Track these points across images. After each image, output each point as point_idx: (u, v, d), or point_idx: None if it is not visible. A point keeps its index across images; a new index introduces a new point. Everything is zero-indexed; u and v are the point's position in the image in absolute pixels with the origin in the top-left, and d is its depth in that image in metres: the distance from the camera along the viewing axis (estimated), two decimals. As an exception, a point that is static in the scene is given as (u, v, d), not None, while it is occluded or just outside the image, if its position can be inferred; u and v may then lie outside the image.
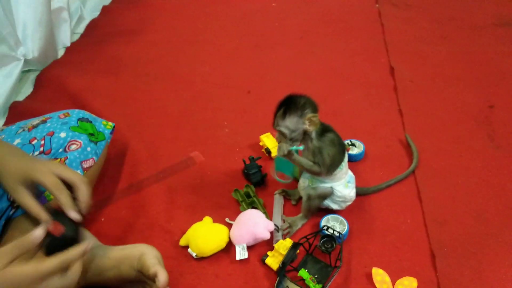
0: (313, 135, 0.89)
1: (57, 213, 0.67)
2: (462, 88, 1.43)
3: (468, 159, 1.17)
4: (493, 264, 0.92)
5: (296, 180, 1.05)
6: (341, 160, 0.92)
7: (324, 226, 0.95)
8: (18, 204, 0.70)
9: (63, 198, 0.68)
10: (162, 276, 0.73)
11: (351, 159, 1.15)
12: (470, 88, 1.43)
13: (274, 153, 1.18)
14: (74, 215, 0.68)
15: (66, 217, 0.67)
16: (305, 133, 0.89)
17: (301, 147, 0.90)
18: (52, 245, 0.62)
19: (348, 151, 1.10)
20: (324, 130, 0.90)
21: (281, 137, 0.89)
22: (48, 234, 0.62)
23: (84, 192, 0.71)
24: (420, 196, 1.07)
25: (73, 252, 0.61)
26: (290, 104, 0.87)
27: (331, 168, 0.91)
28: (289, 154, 0.88)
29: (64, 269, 0.59)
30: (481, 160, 1.17)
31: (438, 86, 1.45)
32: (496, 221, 1.01)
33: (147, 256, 0.78)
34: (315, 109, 0.88)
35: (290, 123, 0.87)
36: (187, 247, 0.95)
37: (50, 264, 0.58)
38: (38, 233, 0.59)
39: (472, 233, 0.99)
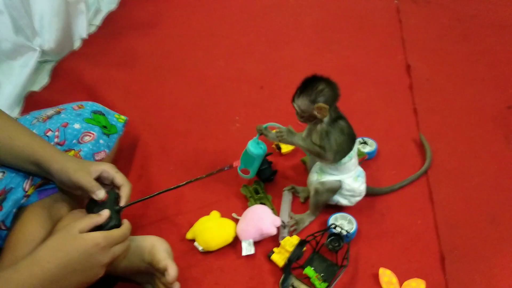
0: (325, 119, 0.88)
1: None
2: (480, 88, 1.40)
3: (484, 161, 1.14)
4: (504, 270, 0.89)
5: (260, 179, 1.09)
6: (350, 149, 0.91)
7: (332, 224, 0.94)
8: (77, 177, 0.75)
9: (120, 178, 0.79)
10: (172, 271, 0.76)
11: (363, 157, 1.14)
12: (489, 88, 1.39)
13: (284, 149, 1.17)
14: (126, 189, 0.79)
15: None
16: (317, 117, 0.88)
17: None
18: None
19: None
20: (337, 117, 0.89)
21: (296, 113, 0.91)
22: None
23: (127, 189, 0.79)
24: (432, 197, 1.05)
25: (126, 225, 0.72)
26: (308, 85, 0.87)
27: (338, 154, 0.90)
28: (290, 134, 0.90)
29: (127, 240, 0.71)
30: (497, 163, 1.14)
31: (456, 85, 1.41)
32: (510, 226, 0.98)
33: (157, 249, 0.80)
34: (331, 99, 0.87)
35: (302, 103, 0.88)
36: (193, 240, 0.95)
37: (117, 233, 0.69)
38: (106, 213, 0.71)
39: (485, 237, 0.96)
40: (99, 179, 0.78)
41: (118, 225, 0.72)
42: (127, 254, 0.80)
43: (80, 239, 0.64)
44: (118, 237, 0.69)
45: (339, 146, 0.89)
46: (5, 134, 0.77)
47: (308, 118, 0.89)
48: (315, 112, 0.87)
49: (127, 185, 0.79)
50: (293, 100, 0.90)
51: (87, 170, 0.77)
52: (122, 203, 0.77)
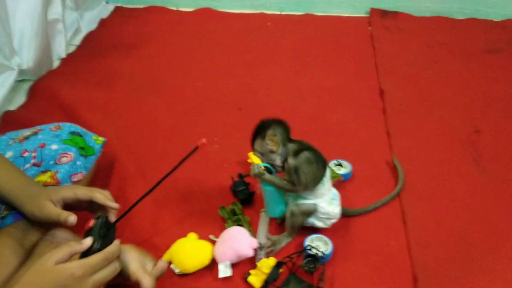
0: (289, 154, 0.92)
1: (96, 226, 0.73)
2: (450, 112, 1.46)
3: (453, 183, 1.19)
4: (474, 289, 0.92)
5: (238, 200, 1.10)
6: (322, 175, 0.93)
7: (308, 246, 0.95)
8: (46, 215, 0.77)
9: (100, 196, 0.81)
10: (146, 283, 0.73)
11: (338, 179, 1.16)
12: (458, 112, 1.45)
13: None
14: (113, 204, 0.81)
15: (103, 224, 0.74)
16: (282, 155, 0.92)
17: (265, 164, 0.94)
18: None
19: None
20: (300, 149, 0.92)
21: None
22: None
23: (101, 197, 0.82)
24: (405, 218, 1.08)
25: (112, 246, 0.70)
26: (257, 129, 0.94)
27: (310, 185, 0.93)
28: (259, 174, 0.93)
29: (108, 262, 0.68)
30: (466, 184, 1.18)
31: (427, 109, 1.47)
32: (479, 245, 1.02)
33: (127, 261, 0.76)
34: (279, 129, 0.91)
35: (257, 146, 0.94)
36: (170, 262, 0.95)
37: (96, 258, 0.66)
38: (88, 241, 0.69)
39: (455, 257, 0.99)
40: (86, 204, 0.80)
41: (101, 249, 0.69)
42: (115, 275, 0.72)
43: (54, 271, 0.62)
44: (98, 263, 0.66)
45: (310, 177, 0.92)
46: None
47: (273, 158, 0.93)
48: (270, 146, 0.91)
49: (99, 196, 0.80)
50: (253, 150, 0.95)
51: (49, 204, 0.77)
52: (112, 218, 0.78)
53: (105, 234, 0.72)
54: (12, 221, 0.84)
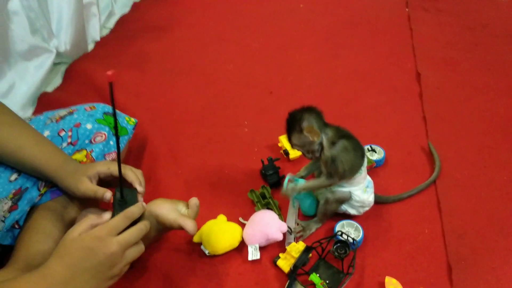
0: (325, 144, 0.89)
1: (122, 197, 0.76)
2: (491, 97, 1.39)
3: (493, 171, 1.14)
4: (511, 281, 0.89)
5: (267, 184, 1.10)
6: (360, 164, 0.91)
7: (339, 231, 0.94)
8: (83, 191, 0.79)
9: (131, 175, 0.81)
10: (189, 227, 0.76)
11: (371, 165, 1.13)
12: (499, 98, 1.38)
13: (292, 154, 1.17)
14: (139, 187, 0.81)
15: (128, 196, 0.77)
16: (321, 144, 0.89)
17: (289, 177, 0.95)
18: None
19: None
20: (336, 137, 0.89)
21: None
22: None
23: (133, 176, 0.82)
24: (440, 206, 1.04)
25: (132, 207, 0.71)
26: (289, 123, 0.90)
27: (348, 174, 0.90)
28: (294, 190, 0.92)
29: (129, 220, 0.69)
30: (505, 173, 1.13)
31: (466, 94, 1.41)
32: (518, 237, 0.98)
33: (163, 216, 0.78)
34: (313, 118, 0.88)
35: (295, 140, 0.90)
36: (200, 243, 0.96)
37: (116, 218, 0.68)
38: (106, 215, 0.70)
39: (492, 248, 0.96)
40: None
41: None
42: (142, 234, 0.71)
43: (80, 239, 0.64)
44: (118, 222, 0.68)
45: (348, 166, 0.89)
46: (15, 144, 0.80)
47: (313, 148, 0.90)
48: (310, 138, 0.88)
49: (131, 174, 0.81)
50: (291, 145, 0.93)
51: (86, 180, 0.80)
52: (140, 198, 0.80)
53: (125, 204, 0.74)
54: (50, 198, 0.87)
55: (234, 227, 0.97)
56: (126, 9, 2.05)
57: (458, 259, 0.93)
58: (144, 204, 0.76)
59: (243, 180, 1.13)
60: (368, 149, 1.17)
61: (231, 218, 1.01)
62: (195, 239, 0.97)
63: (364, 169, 0.93)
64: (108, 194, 0.78)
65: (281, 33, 1.81)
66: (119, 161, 0.72)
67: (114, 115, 0.65)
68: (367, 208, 0.99)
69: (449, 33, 1.72)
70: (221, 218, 1.00)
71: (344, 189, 0.95)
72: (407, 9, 1.88)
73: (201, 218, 1.00)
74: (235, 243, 0.95)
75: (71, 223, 0.85)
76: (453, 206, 1.04)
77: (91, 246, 0.64)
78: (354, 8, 1.94)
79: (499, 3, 1.87)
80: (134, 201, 0.76)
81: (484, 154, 1.19)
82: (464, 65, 1.54)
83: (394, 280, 0.87)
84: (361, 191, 0.95)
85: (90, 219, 0.68)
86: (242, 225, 0.98)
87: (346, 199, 0.95)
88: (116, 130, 0.67)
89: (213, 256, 0.94)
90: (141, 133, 1.27)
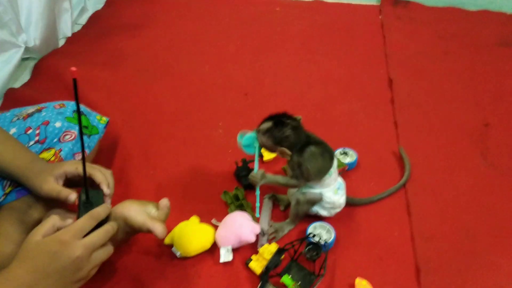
0: (294, 151, 0.90)
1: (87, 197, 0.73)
2: (459, 104, 1.43)
3: (460, 176, 1.17)
4: (477, 283, 0.92)
5: (241, 185, 1.10)
6: (329, 167, 0.92)
7: (310, 233, 0.94)
8: (46, 192, 0.77)
9: (98, 176, 0.79)
10: (158, 231, 0.75)
11: (343, 168, 1.15)
12: (467, 105, 1.43)
13: (266, 157, 1.18)
14: (105, 190, 0.79)
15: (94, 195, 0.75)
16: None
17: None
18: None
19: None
20: (305, 144, 0.90)
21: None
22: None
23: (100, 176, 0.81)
24: (409, 210, 1.07)
25: (97, 208, 0.69)
26: (269, 130, 0.91)
27: (314, 178, 0.92)
28: (262, 178, 0.92)
29: (94, 221, 0.67)
30: (473, 178, 1.16)
31: (436, 101, 1.45)
32: (484, 240, 1.01)
33: (131, 218, 0.77)
34: (293, 135, 0.89)
35: (267, 142, 0.92)
36: (171, 245, 0.94)
37: (80, 220, 0.66)
38: (72, 196, 0.73)
39: (459, 251, 0.98)
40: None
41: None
42: (108, 237, 0.70)
43: (43, 242, 0.62)
44: (83, 224, 0.65)
45: (313, 171, 0.91)
46: None
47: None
48: (281, 155, 0.92)
49: (99, 175, 0.79)
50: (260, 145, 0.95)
51: (50, 180, 0.77)
52: (107, 200, 0.78)
53: (90, 206, 0.71)
54: (15, 198, 0.83)
55: (207, 228, 0.96)
56: (100, 6, 2.00)
57: (426, 261, 0.95)
58: (109, 205, 0.74)
59: (217, 182, 1.12)
60: (340, 152, 1.18)
61: (204, 219, 1.00)
62: (166, 241, 0.95)
63: (334, 171, 0.94)
64: (72, 196, 0.76)
65: (258, 36, 1.81)
66: (83, 161, 0.69)
67: (78, 112, 0.63)
68: (338, 210, 1.00)
69: (420, 41, 1.77)
70: (194, 219, 0.99)
71: (315, 190, 0.95)
72: (380, 16, 1.92)
73: (173, 220, 0.99)
74: (207, 245, 0.94)
75: (34, 224, 0.81)
76: (421, 209, 1.07)
77: (54, 250, 0.61)
78: (329, 13, 1.96)
79: (469, 14, 1.93)
80: (100, 203, 0.73)
81: (452, 160, 1.22)
82: (434, 73, 1.59)
83: (364, 282, 0.89)
84: (332, 192, 0.96)
85: (53, 219, 0.65)
86: (215, 227, 0.98)
87: (317, 200, 0.96)
88: (80, 128, 0.65)
89: (185, 258, 0.93)
90: (113, 132, 1.24)
